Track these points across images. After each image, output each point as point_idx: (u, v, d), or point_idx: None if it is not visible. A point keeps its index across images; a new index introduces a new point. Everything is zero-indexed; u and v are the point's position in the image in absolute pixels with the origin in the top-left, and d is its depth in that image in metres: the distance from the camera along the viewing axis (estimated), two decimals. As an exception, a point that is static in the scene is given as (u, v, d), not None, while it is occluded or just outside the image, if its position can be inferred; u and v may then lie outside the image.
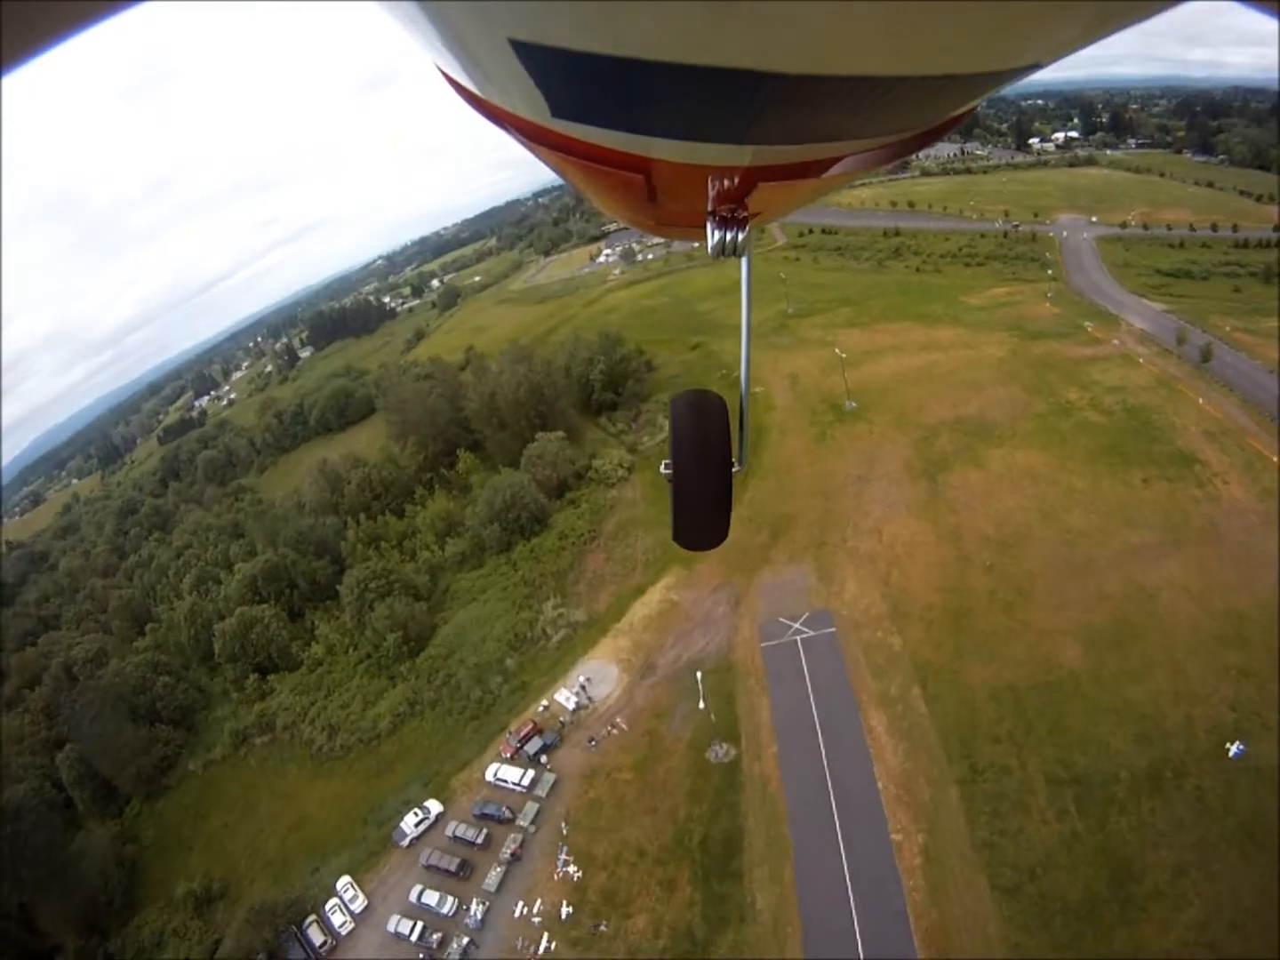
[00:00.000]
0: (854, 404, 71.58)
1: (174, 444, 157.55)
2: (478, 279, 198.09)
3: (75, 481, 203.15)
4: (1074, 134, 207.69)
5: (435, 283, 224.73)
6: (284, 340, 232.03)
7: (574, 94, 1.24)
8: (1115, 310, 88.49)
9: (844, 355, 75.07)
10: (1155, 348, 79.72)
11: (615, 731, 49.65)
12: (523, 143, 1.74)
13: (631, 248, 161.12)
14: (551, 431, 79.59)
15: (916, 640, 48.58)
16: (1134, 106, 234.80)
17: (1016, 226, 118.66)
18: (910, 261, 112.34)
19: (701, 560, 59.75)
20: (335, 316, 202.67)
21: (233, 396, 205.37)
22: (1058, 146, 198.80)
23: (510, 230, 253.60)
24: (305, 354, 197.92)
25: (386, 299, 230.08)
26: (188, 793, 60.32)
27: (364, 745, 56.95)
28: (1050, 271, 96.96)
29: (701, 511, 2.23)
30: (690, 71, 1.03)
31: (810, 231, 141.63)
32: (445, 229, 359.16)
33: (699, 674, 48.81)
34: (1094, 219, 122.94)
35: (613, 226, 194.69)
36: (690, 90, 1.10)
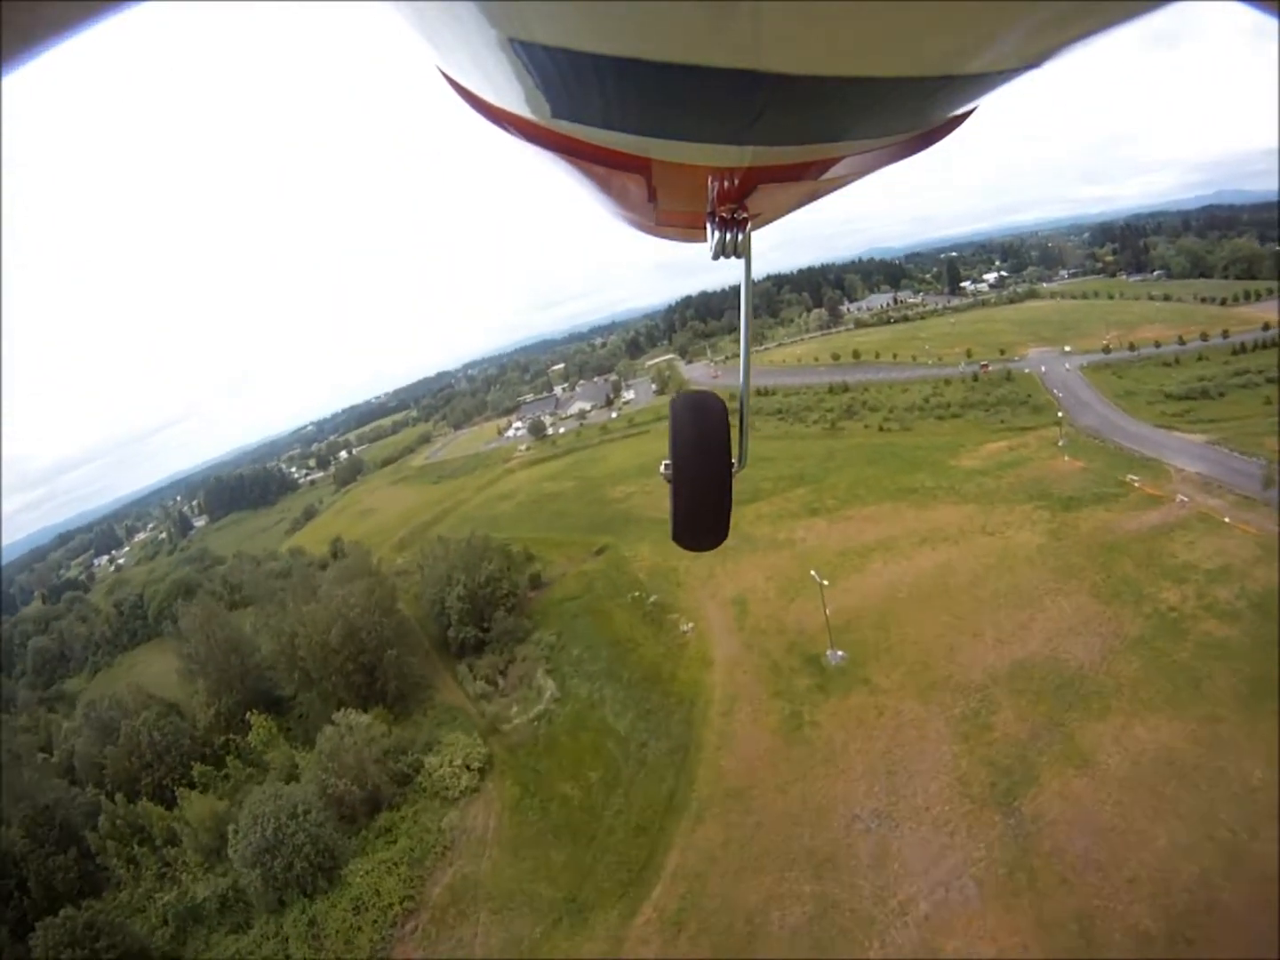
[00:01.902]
0: (842, 654, 44.94)
1: (13, 618, 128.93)
2: (381, 454, 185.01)
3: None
4: (1003, 273, 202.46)
5: (344, 454, 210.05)
6: (179, 506, 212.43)
7: (575, 94, 1.23)
8: (1153, 453, 66.16)
9: (825, 582, 48.43)
10: (1230, 496, 56.85)
11: None
12: (523, 143, 1.71)
13: (541, 421, 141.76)
14: (382, 688, 55.94)
15: None
16: (1048, 244, 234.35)
17: (986, 366, 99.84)
18: (869, 420, 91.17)
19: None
20: (233, 485, 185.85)
21: (121, 562, 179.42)
22: (991, 286, 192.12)
23: (429, 401, 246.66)
24: (201, 522, 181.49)
25: (293, 469, 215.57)
26: None
27: None
28: (1059, 415, 75.41)
29: (701, 512, 2.16)
30: (691, 71, 1.03)
31: None
32: (376, 397, 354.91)
33: None
34: (1067, 348, 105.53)
35: (529, 396, 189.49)
36: (691, 90, 1.10)
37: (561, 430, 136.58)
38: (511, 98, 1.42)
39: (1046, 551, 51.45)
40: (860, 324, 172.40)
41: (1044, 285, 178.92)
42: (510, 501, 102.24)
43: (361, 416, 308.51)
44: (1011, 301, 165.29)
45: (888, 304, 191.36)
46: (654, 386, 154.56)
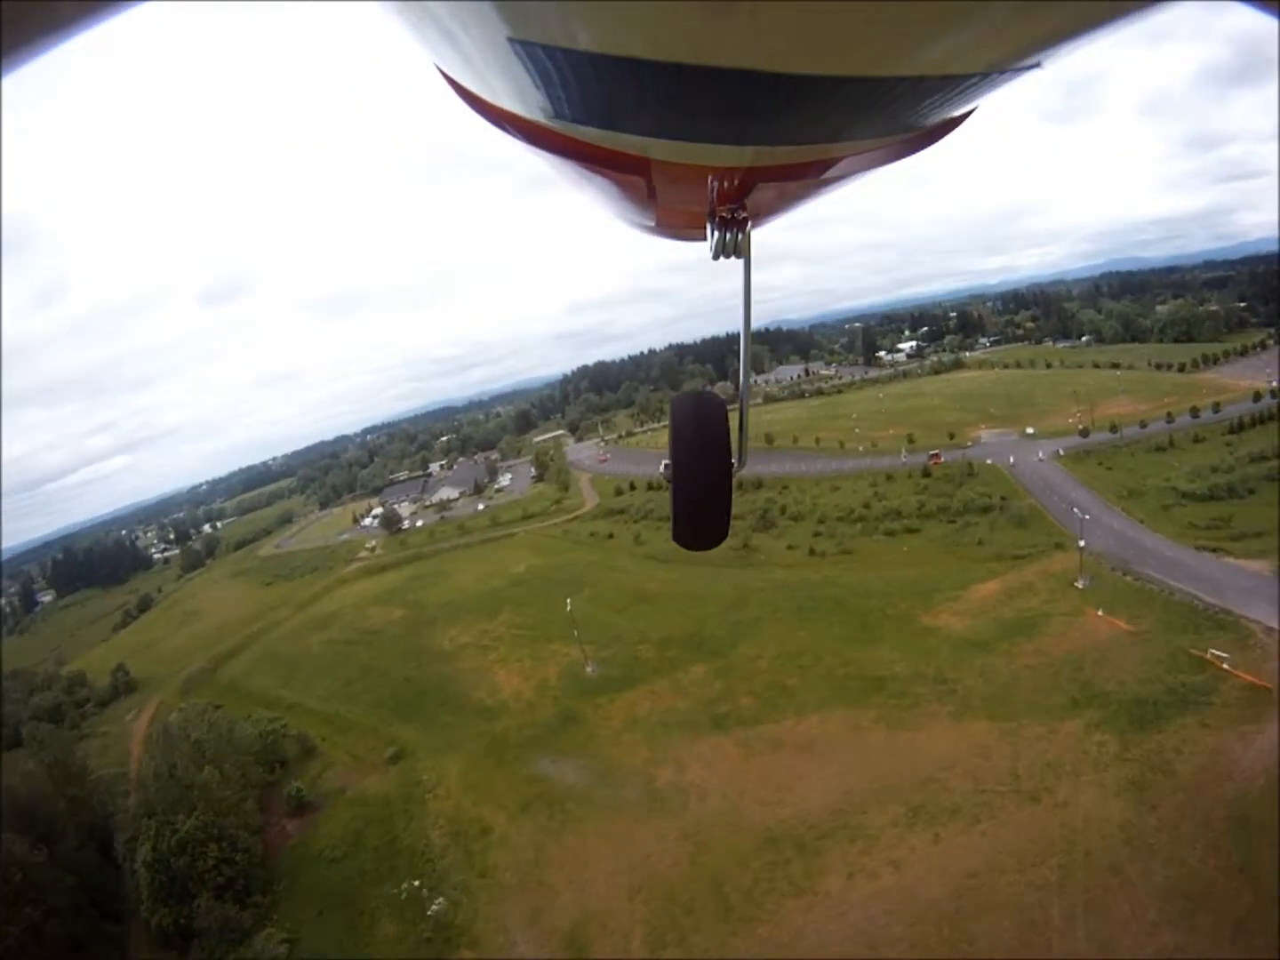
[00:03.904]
0: None
1: None
2: (241, 531, 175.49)
3: None
4: (920, 342, 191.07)
5: (208, 528, 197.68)
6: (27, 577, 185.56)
7: (574, 94, 1.25)
8: (1212, 595, 45.27)
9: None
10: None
11: None
12: (522, 143, 1.75)
13: (396, 513, 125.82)
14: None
15: None
16: (966, 311, 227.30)
17: (937, 457, 79.51)
18: (793, 535, 68.36)
19: None
20: (82, 559, 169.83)
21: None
22: (909, 356, 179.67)
23: (307, 472, 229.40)
24: (48, 598, 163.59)
25: (155, 542, 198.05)
26: None
27: None
28: (1073, 538, 54.07)
29: (701, 510, 2.15)
30: (690, 72, 1.05)
31: (632, 488, 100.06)
32: (274, 459, 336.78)
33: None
34: (1030, 430, 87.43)
35: (403, 474, 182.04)
36: (690, 91, 1.12)
37: (419, 523, 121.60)
38: (511, 98, 1.43)
39: (1142, 844, 27.98)
40: (770, 398, 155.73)
41: (967, 354, 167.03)
42: (323, 634, 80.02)
43: (248, 481, 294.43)
44: (937, 372, 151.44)
45: (798, 376, 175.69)
46: (533, 471, 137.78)
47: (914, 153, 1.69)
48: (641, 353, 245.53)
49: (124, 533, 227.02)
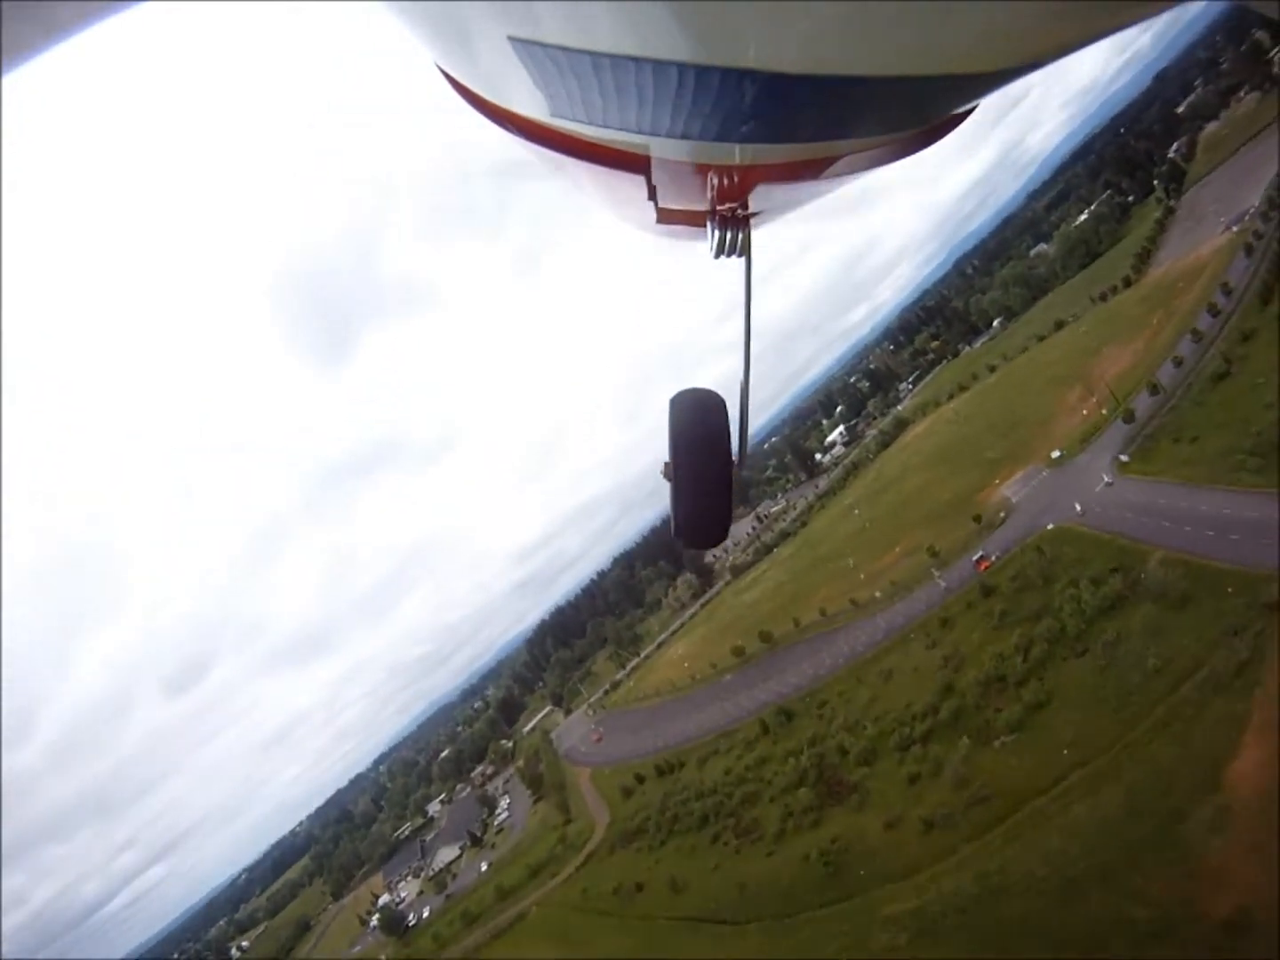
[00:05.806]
0: None
1: None
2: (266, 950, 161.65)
3: None
4: (848, 423, 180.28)
5: (236, 950, 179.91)
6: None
7: (573, 92, 1.28)
8: None
9: None
10: None
11: None
12: (523, 141, 1.80)
13: (399, 912, 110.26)
14: None
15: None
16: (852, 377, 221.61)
17: (983, 561, 58.97)
18: (882, 797, 44.59)
19: None
20: None
21: None
22: (844, 443, 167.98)
23: (319, 847, 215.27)
24: None
25: None
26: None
27: None
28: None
29: (702, 508, 2.19)
30: (690, 71, 1.06)
31: (640, 780, 79.62)
32: (299, 824, 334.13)
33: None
34: (1056, 454, 69.03)
35: (406, 828, 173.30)
36: (690, 89, 1.13)
37: (425, 912, 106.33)
38: (511, 96, 1.49)
39: None
40: (737, 570, 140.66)
41: (899, 409, 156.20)
42: None
43: (278, 863, 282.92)
44: (886, 445, 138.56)
45: (752, 530, 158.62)
46: (529, 792, 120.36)
47: (914, 151, 1.70)
48: (592, 579, 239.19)
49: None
